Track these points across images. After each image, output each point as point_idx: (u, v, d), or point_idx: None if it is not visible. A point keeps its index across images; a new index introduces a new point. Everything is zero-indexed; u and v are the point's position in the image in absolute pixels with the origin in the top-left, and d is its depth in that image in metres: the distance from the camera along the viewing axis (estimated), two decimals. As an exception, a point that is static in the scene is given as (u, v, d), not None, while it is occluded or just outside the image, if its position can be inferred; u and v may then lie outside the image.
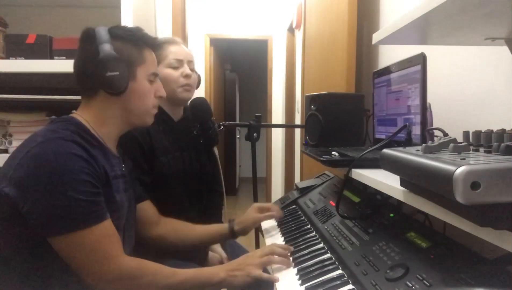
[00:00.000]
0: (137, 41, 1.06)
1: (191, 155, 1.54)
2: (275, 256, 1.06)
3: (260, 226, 1.45)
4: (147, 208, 1.28)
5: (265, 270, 1.06)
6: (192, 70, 1.52)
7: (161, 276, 1.00)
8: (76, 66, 1.04)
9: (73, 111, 1.07)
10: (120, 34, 1.04)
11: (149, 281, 0.98)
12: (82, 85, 1.05)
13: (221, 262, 1.48)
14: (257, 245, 1.67)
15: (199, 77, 1.57)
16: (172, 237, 1.30)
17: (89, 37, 1.02)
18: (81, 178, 0.90)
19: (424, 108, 0.99)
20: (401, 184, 0.80)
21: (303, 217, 1.38)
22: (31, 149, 0.91)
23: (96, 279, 0.93)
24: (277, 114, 4.99)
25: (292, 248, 1.13)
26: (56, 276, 0.94)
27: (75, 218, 0.89)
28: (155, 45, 1.12)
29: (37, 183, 0.87)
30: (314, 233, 1.21)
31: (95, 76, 0.99)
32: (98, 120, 1.04)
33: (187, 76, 1.48)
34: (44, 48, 1.60)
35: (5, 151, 1.62)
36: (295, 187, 1.71)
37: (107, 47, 0.99)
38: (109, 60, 0.98)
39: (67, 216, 0.88)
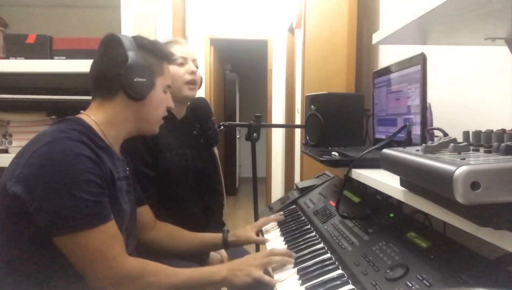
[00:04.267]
0: (158, 53, 1.12)
1: (194, 153, 1.56)
2: (276, 257, 1.06)
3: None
4: (144, 212, 1.29)
5: (266, 272, 1.06)
6: (197, 67, 1.55)
7: (163, 276, 1.00)
8: (97, 68, 1.07)
9: (82, 111, 1.08)
10: (145, 44, 1.10)
11: (151, 281, 0.98)
12: (100, 86, 1.08)
13: (221, 262, 1.48)
14: (257, 246, 1.67)
15: (200, 77, 1.59)
16: (166, 242, 1.31)
17: (115, 42, 1.06)
18: (87, 178, 0.91)
19: (424, 108, 0.99)
20: (401, 184, 0.80)
21: (303, 217, 1.38)
22: (39, 148, 0.91)
23: (99, 279, 0.94)
24: (277, 114, 4.99)
25: (294, 254, 1.09)
26: (59, 277, 0.95)
27: (80, 218, 0.90)
28: (171, 60, 1.18)
29: (44, 182, 0.88)
30: (314, 233, 1.21)
31: (121, 80, 1.02)
32: (110, 122, 1.06)
33: (192, 73, 1.51)
34: (44, 48, 1.60)
35: (5, 151, 1.62)
36: (295, 187, 1.71)
37: (135, 55, 1.04)
38: (137, 67, 1.03)
39: (72, 216, 0.89)
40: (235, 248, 1.60)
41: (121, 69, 1.02)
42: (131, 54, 1.03)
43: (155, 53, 1.11)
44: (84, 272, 0.93)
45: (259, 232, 1.43)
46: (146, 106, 1.08)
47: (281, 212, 1.43)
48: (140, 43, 1.09)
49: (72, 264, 0.92)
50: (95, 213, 0.91)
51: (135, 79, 1.02)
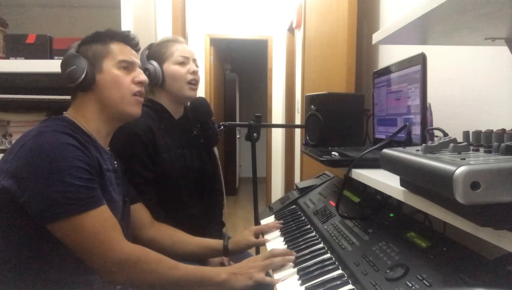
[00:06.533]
0: (100, 38, 1.12)
1: (192, 153, 1.55)
2: (276, 258, 1.06)
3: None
4: (139, 209, 1.29)
5: (266, 273, 1.06)
6: (197, 67, 1.56)
7: (164, 266, 1.01)
8: None
9: (64, 112, 1.12)
10: (86, 39, 1.12)
11: (152, 269, 0.99)
12: (68, 89, 1.14)
13: (221, 262, 1.48)
14: (257, 246, 1.67)
15: (199, 77, 1.60)
16: (166, 242, 1.30)
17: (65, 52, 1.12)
18: (76, 165, 0.94)
19: (424, 108, 0.99)
20: (401, 184, 0.80)
21: (303, 217, 1.38)
22: (26, 143, 0.94)
23: (100, 263, 0.95)
24: (277, 114, 4.99)
25: (294, 253, 1.08)
26: (53, 268, 0.96)
27: (73, 203, 0.91)
28: (122, 37, 1.16)
29: (34, 172, 0.91)
30: (314, 233, 1.21)
31: (62, 77, 1.08)
32: (83, 117, 1.09)
33: (194, 73, 1.52)
34: (44, 48, 1.60)
35: (5, 151, 1.62)
36: (295, 187, 1.71)
37: (70, 51, 1.09)
38: (67, 59, 1.08)
39: (65, 201, 0.91)
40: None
41: (61, 69, 1.09)
42: (68, 52, 1.09)
43: (97, 39, 1.12)
44: (85, 258, 0.94)
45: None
46: (102, 90, 1.09)
47: (281, 221, 1.41)
48: (83, 40, 1.12)
49: (73, 251, 0.94)
50: (87, 197, 0.93)
51: (66, 71, 1.06)
